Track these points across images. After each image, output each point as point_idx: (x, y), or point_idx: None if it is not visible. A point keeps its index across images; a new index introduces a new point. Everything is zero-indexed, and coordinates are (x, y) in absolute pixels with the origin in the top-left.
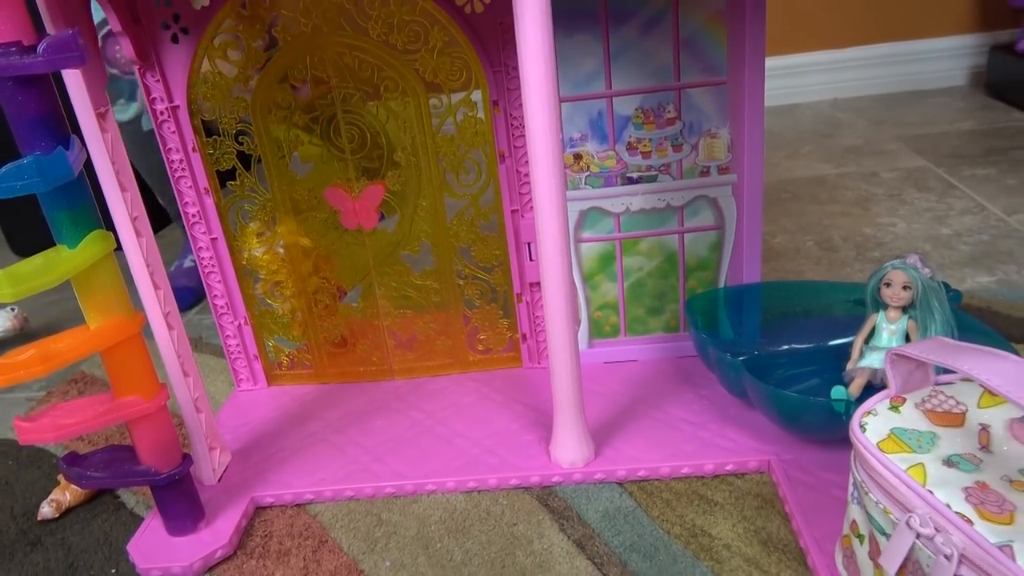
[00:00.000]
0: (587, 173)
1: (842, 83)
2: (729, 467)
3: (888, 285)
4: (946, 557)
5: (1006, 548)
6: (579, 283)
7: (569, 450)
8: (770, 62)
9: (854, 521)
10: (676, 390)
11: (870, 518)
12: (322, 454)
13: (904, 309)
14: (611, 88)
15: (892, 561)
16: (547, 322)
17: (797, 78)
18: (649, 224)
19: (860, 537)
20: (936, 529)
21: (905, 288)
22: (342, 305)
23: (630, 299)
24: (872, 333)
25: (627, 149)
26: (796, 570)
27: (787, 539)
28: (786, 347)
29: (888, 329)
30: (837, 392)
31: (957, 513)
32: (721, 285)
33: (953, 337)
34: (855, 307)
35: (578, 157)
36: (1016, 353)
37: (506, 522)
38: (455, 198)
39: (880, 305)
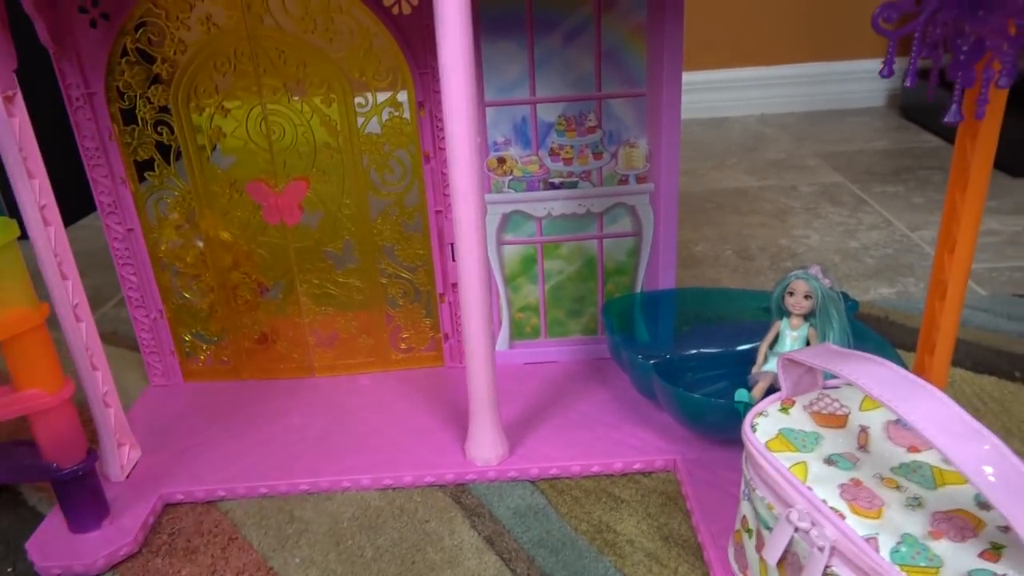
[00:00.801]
0: (510, 177)
1: (770, 99)
2: (637, 466)
3: (791, 294)
4: (819, 549)
5: (872, 540)
6: (501, 285)
7: (484, 448)
8: (702, 76)
9: (744, 516)
10: (592, 391)
11: (757, 513)
12: (237, 451)
13: (806, 317)
14: (535, 95)
15: (773, 553)
16: (463, 322)
17: (728, 92)
18: (570, 229)
19: (749, 532)
20: (812, 523)
21: (807, 297)
22: (263, 301)
23: (550, 302)
24: (776, 339)
25: (549, 155)
26: (693, 564)
27: (687, 535)
28: (697, 351)
29: (790, 336)
30: (740, 395)
31: (832, 508)
32: (638, 290)
33: (849, 344)
34: (763, 314)
35: (502, 161)
36: (902, 361)
37: (419, 519)
38: (380, 197)
39: (784, 313)
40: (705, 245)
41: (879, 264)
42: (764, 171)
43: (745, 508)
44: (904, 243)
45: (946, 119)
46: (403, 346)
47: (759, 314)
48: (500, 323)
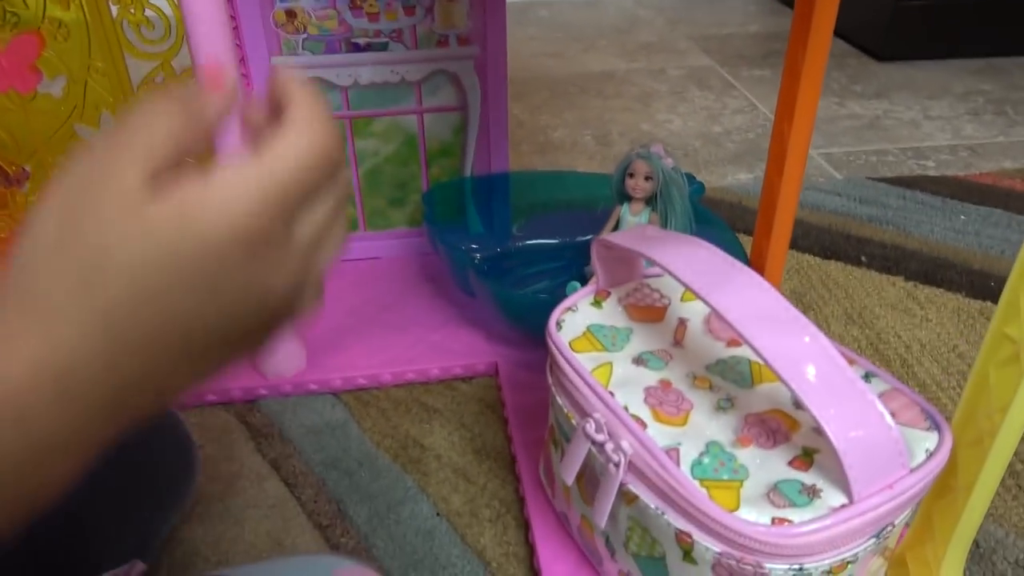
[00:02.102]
0: (304, 36)
1: None
2: (456, 371)
3: (631, 176)
4: (615, 465)
5: (672, 452)
6: None
7: (275, 359)
8: None
9: (551, 427)
10: (414, 291)
11: (558, 424)
12: None
13: (648, 201)
14: None
15: (569, 470)
16: None
17: None
18: (382, 101)
19: (555, 444)
20: (609, 435)
21: (647, 179)
22: (15, 192)
23: (367, 189)
24: (617, 226)
25: (350, 8)
26: (504, 479)
27: (501, 447)
28: (532, 242)
29: (631, 222)
30: (572, 288)
31: (633, 416)
32: (467, 174)
33: (691, 229)
34: (609, 201)
35: (291, 15)
36: (742, 247)
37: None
38: (140, 58)
39: (625, 197)
40: (564, 131)
41: (740, 149)
42: (634, 54)
43: (551, 417)
44: (767, 128)
45: None
46: None
47: (604, 201)
48: None
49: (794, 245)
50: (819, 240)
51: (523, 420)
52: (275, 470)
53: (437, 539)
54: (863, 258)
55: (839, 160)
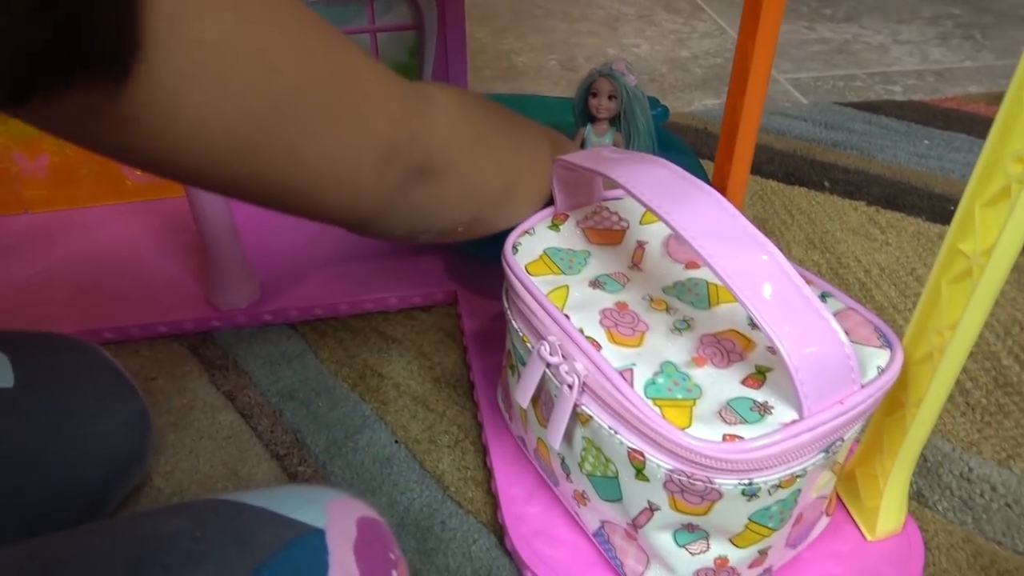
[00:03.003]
0: None
1: None
2: (415, 300)
3: (594, 95)
4: (568, 387)
5: (627, 372)
6: None
7: (226, 290)
8: None
9: (508, 352)
10: None
11: (514, 348)
12: None
13: (612, 121)
14: None
15: (524, 393)
16: None
17: None
18: (332, 19)
19: (512, 369)
20: (564, 357)
21: (611, 98)
22: None
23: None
24: (583, 149)
25: None
26: (463, 406)
27: (461, 374)
28: None
29: (595, 143)
30: None
31: (588, 338)
32: None
33: (654, 149)
34: (573, 126)
35: None
36: (704, 171)
37: (143, 377)
38: None
39: (588, 118)
40: (528, 55)
41: (707, 74)
42: None
43: (508, 343)
44: None
45: None
46: (138, 171)
47: (569, 126)
48: None
49: (758, 171)
50: (783, 165)
51: (482, 347)
52: (230, 401)
53: (395, 465)
54: (826, 183)
55: (807, 85)
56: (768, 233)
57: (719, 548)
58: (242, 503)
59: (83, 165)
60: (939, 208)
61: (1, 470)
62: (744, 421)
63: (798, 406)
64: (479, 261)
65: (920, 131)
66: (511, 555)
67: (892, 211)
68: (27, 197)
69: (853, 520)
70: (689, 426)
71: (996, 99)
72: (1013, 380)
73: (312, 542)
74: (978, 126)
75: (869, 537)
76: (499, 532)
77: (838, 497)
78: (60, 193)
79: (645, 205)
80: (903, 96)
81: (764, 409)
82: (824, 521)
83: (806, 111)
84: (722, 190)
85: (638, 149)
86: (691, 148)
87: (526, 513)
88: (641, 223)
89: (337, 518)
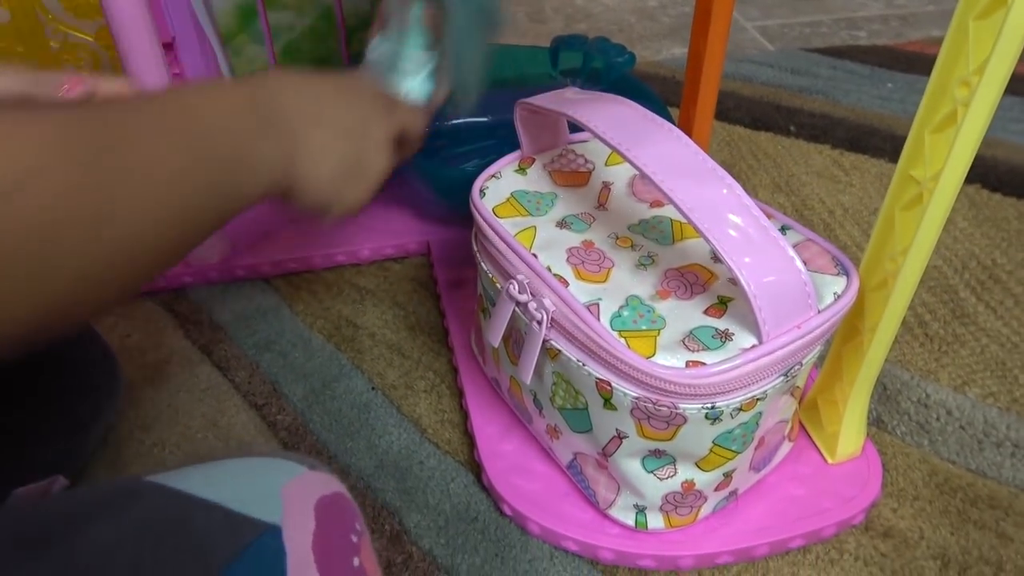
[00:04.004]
0: None
1: None
2: (388, 251)
3: None
4: (537, 323)
5: (593, 307)
6: (217, 47)
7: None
8: None
9: (479, 296)
10: None
11: (484, 290)
12: None
13: None
14: None
15: (495, 333)
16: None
17: None
18: None
19: (484, 311)
20: (532, 294)
21: None
22: None
23: (284, 66)
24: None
25: None
26: (438, 352)
27: (435, 321)
28: (462, 120)
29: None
30: None
31: (555, 275)
32: None
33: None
34: (546, 78)
35: None
36: (669, 115)
37: (117, 334)
38: None
39: None
40: None
41: (675, 23)
42: None
43: (479, 286)
44: None
45: None
46: None
47: (537, 78)
48: None
49: (725, 117)
50: (750, 111)
51: (455, 295)
52: (206, 355)
53: (373, 411)
54: (792, 128)
55: (773, 32)
56: (735, 178)
57: (686, 472)
58: (190, 498)
59: None
60: (902, 149)
61: None
62: (706, 348)
63: (757, 332)
64: (452, 212)
65: (884, 75)
66: (488, 490)
67: (856, 153)
68: None
69: (815, 446)
70: (654, 355)
71: None
72: (970, 312)
73: (268, 545)
74: None
75: (830, 460)
76: (476, 470)
77: (801, 425)
78: None
79: (607, 143)
80: (868, 41)
81: (725, 336)
82: (787, 446)
83: (773, 58)
84: (688, 133)
85: (455, 24)
86: (660, 96)
87: (501, 450)
88: (607, 164)
89: (293, 507)
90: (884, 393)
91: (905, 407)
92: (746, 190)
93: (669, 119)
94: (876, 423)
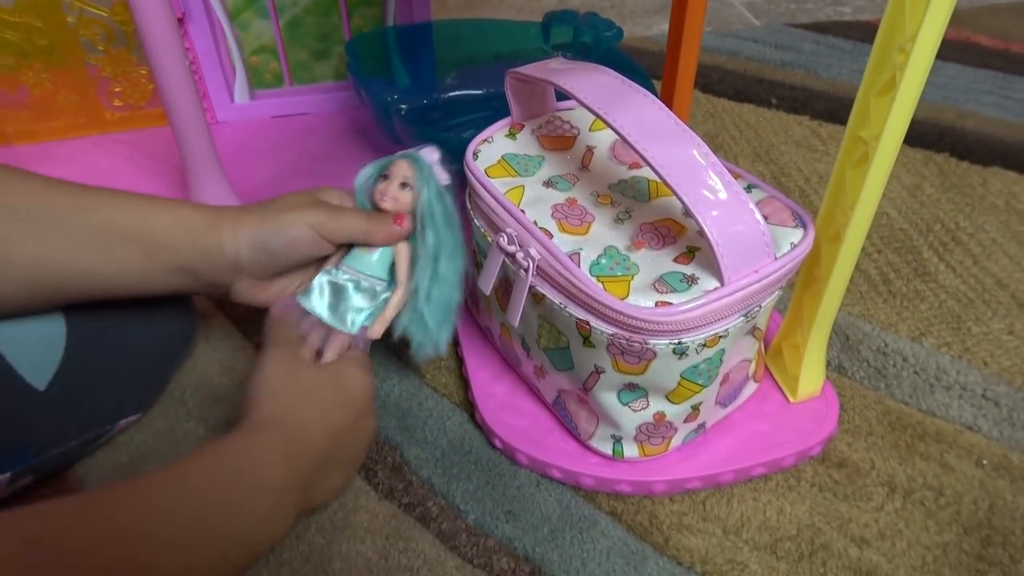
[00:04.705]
0: None
1: None
2: None
3: (386, 178)
4: (524, 270)
5: (574, 256)
6: (225, 21)
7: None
8: None
9: (473, 251)
10: (342, 145)
11: (477, 244)
12: None
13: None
14: None
15: (486, 281)
16: (152, 67)
17: None
18: None
19: (477, 265)
20: (520, 245)
21: (403, 186)
22: None
23: (289, 41)
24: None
25: None
26: None
27: None
28: (457, 93)
29: (360, 256)
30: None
31: (541, 228)
32: (389, 23)
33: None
34: (538, 52)
35: None
36: (654, 88)
37: None
38: None
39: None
40: None
41: (665, 0)
42: None
43: (472, 242)
44: None
45: None
46: (117, 103)
47: (529, 52)
48: (234, 69)
49: (710, 90)
50: (734, 84)
51: None
52: (220, 309)
53: (377, 360)
54: (773, 100)
55: (760, 8)
56: (717, 148)
57: (657, 404)
58: None
59: (63, 95)
60: None
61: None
62: (674, 290)
63: (720, 276)
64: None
65: (865, 49)
66: (480, 427)
67: (834, 124)
68: (9, 131)
69: (780, 388)
70: (627, 296)
71: None
72: (931, 270)
73: None
74: None
75: (792, 399)
76: (470, 409)
77: (767, 370)
78: (41, 126)
79: (587, 107)
80: (852, 17)
81: (691, 280)
82: (752, 386)
83: (758, 33)
84: (668, 102)
85: (437, 269)
86: (648, 69)
87: (493, 391)
88: (591, 130)
89: None
90: (847, 343)
91: (865, 355)
92: (729, 161)
93: (652, 90)
94: (837, 369)
